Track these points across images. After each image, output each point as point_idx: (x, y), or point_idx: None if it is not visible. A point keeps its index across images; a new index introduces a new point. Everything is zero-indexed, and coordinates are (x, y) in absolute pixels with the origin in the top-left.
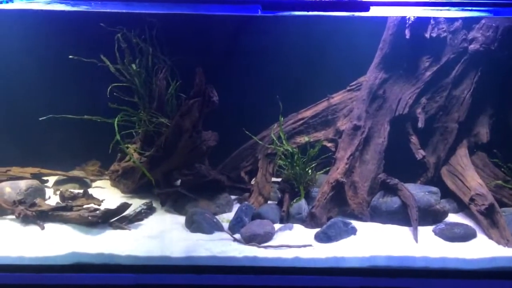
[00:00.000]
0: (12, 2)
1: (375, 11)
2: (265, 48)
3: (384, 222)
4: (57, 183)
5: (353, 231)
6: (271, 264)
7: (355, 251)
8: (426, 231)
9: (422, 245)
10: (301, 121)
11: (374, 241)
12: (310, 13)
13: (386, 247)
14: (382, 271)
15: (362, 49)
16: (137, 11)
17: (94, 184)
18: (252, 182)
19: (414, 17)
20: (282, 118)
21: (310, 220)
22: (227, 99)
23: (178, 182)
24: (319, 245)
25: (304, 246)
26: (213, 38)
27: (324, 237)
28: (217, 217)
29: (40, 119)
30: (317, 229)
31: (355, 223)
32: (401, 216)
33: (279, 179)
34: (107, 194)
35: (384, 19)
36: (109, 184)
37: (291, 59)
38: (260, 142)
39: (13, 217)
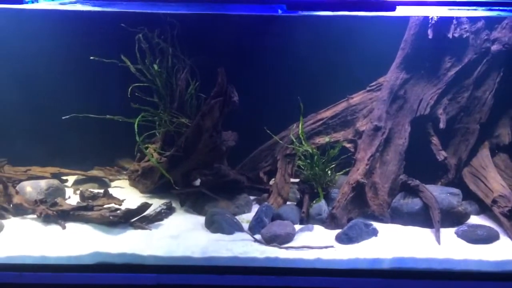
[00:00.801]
0: (38, 2)
1: (401, 11)
2: (285, 48)
3: (405, 223)
4: (77, 183)
5: (374, 232)
6: (293, 265)
7: (377, 252)
8: (448, 233)
9: (445, 247)
10: (320, 122)
11: (396, 243)
12: (335, 13)
13: (408, 248)
14: (405, 273)
15: (382, 49)
16: (158, 11)
17: (113, 184)
18: (271, 182)
19: (437, 17)
20: (301, 118)
21: (330, 221)
22: (245, 99)
23: (196, 182)
24: (340, 246)
25: (326, 247)
26: (232, 38)
27: (345, 238)
28: (236, 217)
29: (63, 118)
30: (338, 230)
31: (375, 224)
32: (422, 217)
33: (297, 180)
34: (126, 194)
35: (405, 19)
36: (127, 183)
37: (311, 59)
38: (281, 142)
39: (34, 216)
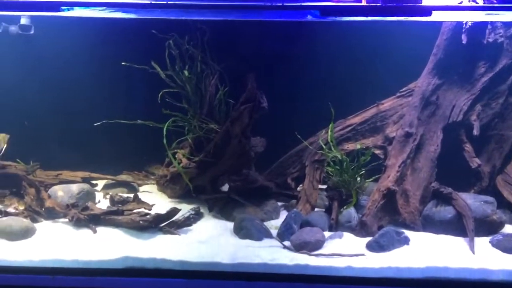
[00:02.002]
0: (73, 9)
1: (436, 16)
2: (315, 54)
3: (437, 232)
4: (106, 187)
5: (406, 240)
6: (323, 272)
7: (409, 261)
8: (482, 242)
9: (479, 257)
10: (349, 128)
11: (428, 252)
12: (370, 18)
13: (441, 258)
14: (439, 283)
15: (413, 54)
16: (189, 18)
17: (141, 189)
18: (299, 188)
19: (471, 22)
20: (332, 124)
21: (360, 229)
22: (272, 105)
23: (224, 187)
24: (371, 254)
25: (357, 255)
26: (262, 44)
27: (376, 246)
28: (264, 223)
29: (95, 124)
30: (368, 238)
31: (406, 232)
32: (455, 226)
33: (324, 186)
34: (155, 199)
35: (437, 24)
36: (155, 188)
37: (341, 65)
38: (310, 147)
39: (66, 220)
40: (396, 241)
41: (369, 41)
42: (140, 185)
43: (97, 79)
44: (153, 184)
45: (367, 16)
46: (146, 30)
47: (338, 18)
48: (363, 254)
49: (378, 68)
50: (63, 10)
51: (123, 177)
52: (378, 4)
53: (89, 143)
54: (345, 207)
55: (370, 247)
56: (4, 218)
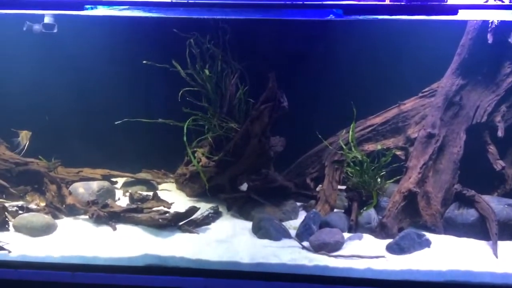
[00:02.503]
0: (96, 8)
1: (462, 15)
2: (335, 53)
3: (459, 235)
4: (126, 185)
5: (427, 243)
6: (342, 274)
7: (430, 264)
8: (506, 246)
9: (503, 261)
10: (370, 128)
11: (450, 255)
12: (394, 17)
13: (463, 261)
14: (461, 287)
15: (436, 54)
16: (210, 16)
17: (160, 187)
18: (318, 189)
19: (497, 21)
20: (353, 124)
21: (380, 230)
22: (292, 104)
23: (242, 187)
24: (391, 257)
25: (377, 257)
26: (283, 43)
27: (397, 249)
28: (283, 223)
29: (116, 123)
30: (388, 240)
31: (427, 235)
32: (478, 229)
33: (343, 187)
34: (174, 197)
35: (461, 23)
36: (174, 187)
37: (362, 64)
38: (330, 147)
39: (86, 217)
40: (417, 244)
41: (390, 40)
42: (159, 183)
43: (117, 78)
44: (172, 182)
45: (391, 15)
46: (167, 29)
47: (362, 17)
48: (383, 256)
49: (400, 67)
50: (87, 9)
51: (142, 175)
52: (402, 3)
53: (109, 141)
54: (365, 208)
55: (391, 249)
56: (26, 214)
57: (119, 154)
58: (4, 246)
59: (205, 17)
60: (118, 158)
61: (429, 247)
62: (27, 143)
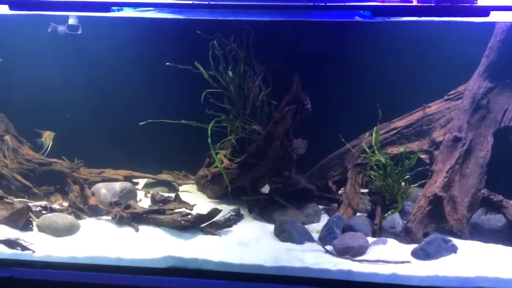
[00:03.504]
0: (122, 9)
1: (494, 16)
2: (358, 55)
3: (486, 241)
4: (147, 186)
5: (453, 249)
6: (367, 279)
7: (457, 270)
8: None
9: None
10: (394, 131)
11: (477, 261)
12: (424, 18)
13: (491, 268)
14: None
15: (462, 56)
16: (233, 18)
17: (181, 188)
18: (340, 192)
19: None
20: (377, 126)
21: (405, 235)
22: (315, 107)
23: (263, 189)
24: (417, 262)
25: (402, 262)
26: (307, 45)
27: (422, 254)
28: (305, 227)
29: (140, 124)
30: (413, 245)
31: (454, 240)
32: (505, 235)
33: (365, 190)
34: (195, 199)
35: (489, 25)
36: (195, 188)
37: (385, 66)
38: (353, 150)
39: (108, 217)
40: (444, 249)
41: (415, 41)
42: (179, 184)
43: (140, 79)
44: (193, 184)
45: (420, 17)
46: (190, 30)
47: (390, 19)
48: (409, 262)
49: (425, 70)
50: (113, 11)
51: (164, 176)
52: (432, 4)
53: (129, 142)
54: (389, 212)
55: (416, 254)
56: (50, 214)
57: (139, 155)
58: (29, 246)
59: (230, 18)
60: (139, 159)
61: (455, 253)
62: (51, 144)
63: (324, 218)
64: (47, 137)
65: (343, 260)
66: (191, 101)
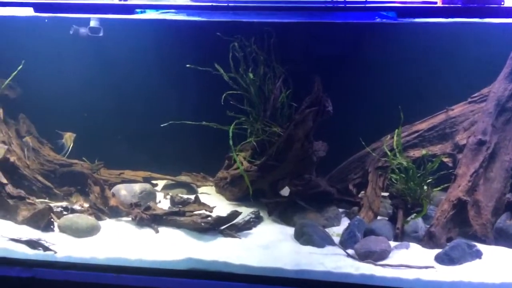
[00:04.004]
0: (145, 12)
1: None
2: (379, 56)
3: (511, 246)
4: (166, 188)
5: (478, 254)
6: (390, 284)
7: (482, 276)
8: None
9: None
10: (416, 134)
11: (503, 267)
12: (451, 19)
13: None
14: None
15: (486, 58)
16: (253, 20)
17: (199, 190)
18: (360, 195)
19: None
20: (399, 129)
21: (428, 240)
22: (336, 109)
23: (282, 192)
24: (441, 267)
25: (426, 267)
26: (327, 46)
27: (446, 259)
28: (326, 230)
29: (162, 125)
30: (436, 250)
31: (478, 245)
32: None
33: (385, 194)
34: (214, 201)
35: None
36: (214, 190)
37: (407, 68)
38: (373, 154)
39: (128, 219)
40: (468, 255)
41: (438, 43)
42: (198, 186)
43: (159, 81)
44: (211, 185)
45: (447, 18)
46: (209, 32)
47: (416, 20)
48: (432, 267)
49: (448, 71)
50: (137, 13)
51: (183, 178)
52: (458, 5)
53: (147, 143)
54: (413, 216)
55: (440, 259)
56: (71, 215)
57: (158, 156)
58: (50, 247)
59: (245, 20)
60: (157, 160)
61: (480, 258)
62: (71, 145)
63: (344, 222)
64: (68, 139)
65: (365, 265)
66: (210, 103)
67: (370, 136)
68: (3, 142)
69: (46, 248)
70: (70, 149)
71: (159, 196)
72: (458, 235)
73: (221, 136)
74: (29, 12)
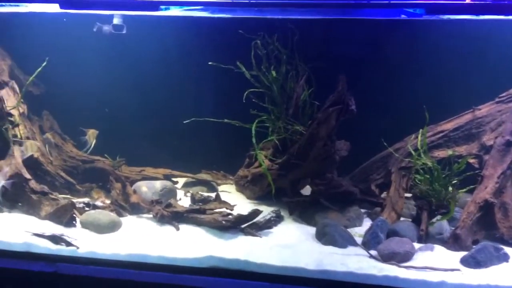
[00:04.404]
0: (169, 9)
1: None
2: (404, 55)
3: None
4: (186, 185)
5: (505, 257)
6: (414, 286)
7: (509, 280)
8: None
9: None
10: (441, 134)
11: None
12: (480, 17)
13: None
14: None
15: None
16: (277, 16)
17: (219, 188)
18: (382, 196)
19: None
20: (425, 129)
21: (453, 242)
22: (359, 108)
23: (302, 191)
24: (467, 270)
25: (452, 270)
26: (350, 44)
27: (472, 262)
28: (348, 230)
29: (185, 122)
30: (461, 252)
31: (505, 249)
32: None
33: (408, 195)
34: (234, 199)
35: None
36: (234, 188)
37: (432, 67)
38: (396, 155)
39: (149, 215)
40: (495, 258)
41: (465, 41)
42: (218, 184)
43: (179, 78)
44: (231, 184)
45: (477, 15)
46: (231, 30)
47: (445, 17)
48: (458, 269)
49: (474, 70)
50: (162, 10)
51: (203, 176)
52: (488, 2)
53: (166, 141)
54: (438, 218)
55: (466, 262)
56: (93, 211)
57: (178, 154)
58: (73, 242)
59: (267, 17)
60: (177, 158)
61: (507, 261)
62: (94, 142)
63: (366, 222)
64: (91, 135)
65: (388, 266)
66: (230, 101)
67: (393, 136)
68: (27, 138)
69: (69, 244)
70: (92, 146)
71: (179, 193)
72: (484, 237)
73: (241, 134)
74: (55, 8)
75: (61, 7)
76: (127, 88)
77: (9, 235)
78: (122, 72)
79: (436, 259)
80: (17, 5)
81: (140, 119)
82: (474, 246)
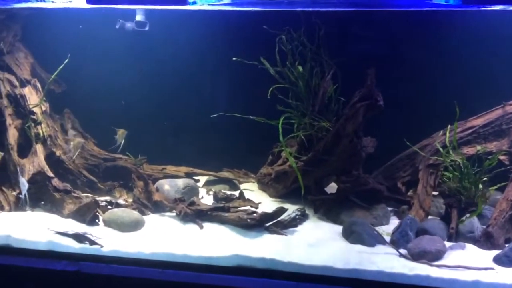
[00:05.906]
0: (196, 3)
1: None
2: (432, 49)
3: None
4: (208, 183)
5: None
6: (446, 285)
7: None
8: None
9: None
10: (470, 130)
11: None
12: None
13: None
14: None
15: None
16: (302, 9)
17: (241, 186)
18: (409, 193)
19: None
20: (455, 124)
21: (485, 240)
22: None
23: (326, 188)
24: (501, 269)
25: (485, 268)
26: (377, 36)
27: (506, 261)
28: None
29: (212, 116)
30: (494, 251)
31: None
32: None
33: (435, 193)
34: (257, 197)
35: None
36: (256, 186)
37: (461, 61)
38: (421, 153)
39: (171, 214)
40: None
41: (495, 34)
42: (240, 182)
43: (202, 76)
44: (253, 182)
45: None
46: (256, 25)
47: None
48: (492, 268)
49: (505, 65)
50: (189, 4)
51: (225, 174)
52: None
53: (188, 139)
54: (468, 215)
55: (499, 261)
56: (116, 210)
57: (199, 152)
58: (96, 241)
59: (293, 9)
60: (198, 156)
61: None
62: (123, 141)
63: (393, 221)
64: (120, 135)
65: (419, 265)
66: (255, 98)
67: (421, 133)
68: (50, 136)
69: (92, 242)
70: (121, 146)
71: (201, 192)
72: None
73: (262, 131)
74: (82, 4)
75: (88, 3)
76: (148, 85)
77: (32, 233)
78: (143, 69)
79: (468, 258)
80: (44, 1)
81: (161, 117)
82: (506, 245)
